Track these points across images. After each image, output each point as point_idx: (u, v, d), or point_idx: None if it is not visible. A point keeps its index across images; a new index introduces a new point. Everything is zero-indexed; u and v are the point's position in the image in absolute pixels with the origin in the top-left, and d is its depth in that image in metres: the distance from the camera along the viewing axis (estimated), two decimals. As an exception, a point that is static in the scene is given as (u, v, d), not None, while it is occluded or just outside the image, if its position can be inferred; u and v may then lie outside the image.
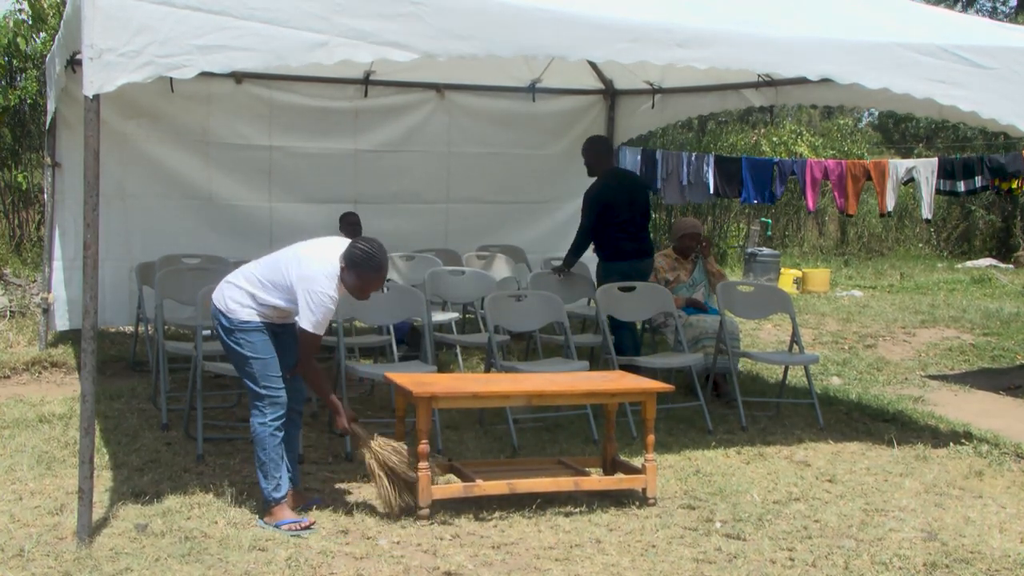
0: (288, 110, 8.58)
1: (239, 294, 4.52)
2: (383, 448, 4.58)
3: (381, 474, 4.54)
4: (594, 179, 7.47)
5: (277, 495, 4.44)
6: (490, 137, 9.02)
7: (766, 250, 14.91)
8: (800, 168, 14.43)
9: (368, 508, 4.70)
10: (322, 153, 8.75)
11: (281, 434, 4.51)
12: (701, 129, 19.68)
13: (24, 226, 12.55)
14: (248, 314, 4.49)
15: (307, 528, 4.37)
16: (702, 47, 5.21)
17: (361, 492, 4.94)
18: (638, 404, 5.32)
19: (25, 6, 11.03)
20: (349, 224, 7.96)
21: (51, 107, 7.66)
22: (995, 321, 10.92)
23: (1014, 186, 14.31)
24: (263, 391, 4.49)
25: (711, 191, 14.03)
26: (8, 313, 8.84)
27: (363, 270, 4.39)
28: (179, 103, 8.12)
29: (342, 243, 4.52)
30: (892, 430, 6.43)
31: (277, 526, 4.36)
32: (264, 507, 4.48)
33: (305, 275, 4.37)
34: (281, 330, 4.57)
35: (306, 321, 4.36)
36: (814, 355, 7.56)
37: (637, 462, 5.11)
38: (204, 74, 4.40)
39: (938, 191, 14.21)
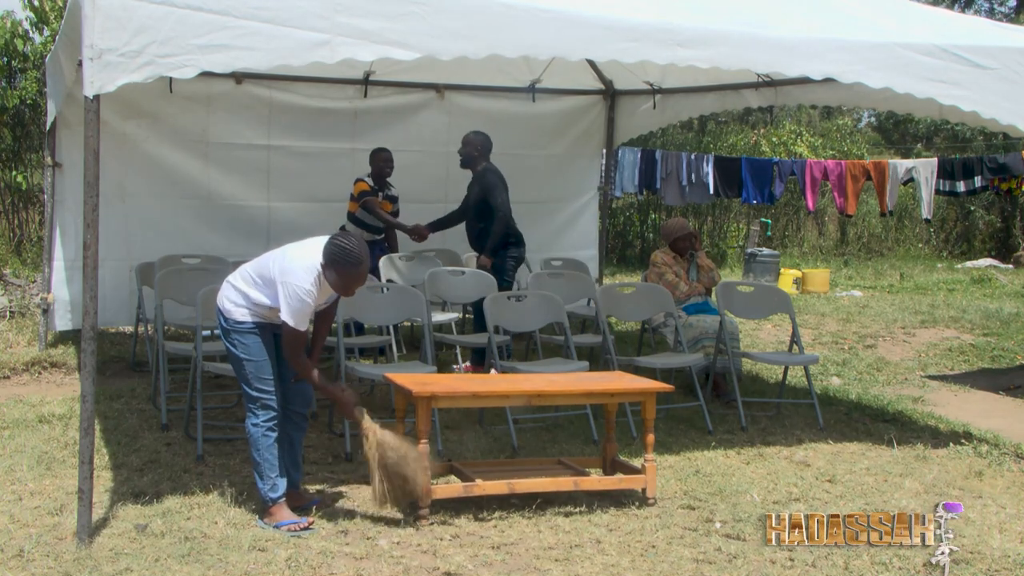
0: (288, 110, 8.57)
1: (235, 294, 4.53)
2: (383, 443, 4.52)
3: (376, 471, 4.50)
4: (470, 170, 7.75)
5: (274, 495, 4.44)
6: (490, 137, 8.99)
7: (766, 250, 14.92)
8: (800, 168, 14.47)
9: (368, 508, 4.70)
10: (321, 153, 8.75)
11: (274, 435, 4.49)
12: (701, 129, 19.70)
13: (24, 226, 12.55)
14: (242, 314, 4.49)
15: (306, 529, 4.37)
16: (703, 47, 5.22)
17: (361, 492, 4.93)
18: (638, 404, 5.32)
19: (24, 3, 11.01)
20: (382, 160, 7.94)
21: (52, 108, 7.65)
22: (995, 321, 10.92)
23: (1014, 186, 14.35)
24: (255, 393, 4.49)
25: (711, 191, 14.07)
26: (8, 313, 8.84)
27: (342, 267, 4.36)
28: (179, 103, 8.11)
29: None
30: (892, 430, 6.43)
31: (277, 527, 4.36)
32: (262, 508, 4.48)
33: (285, 268, 4.39)
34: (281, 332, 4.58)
35: (284, 313, 4.36)
36: (814, 355, 7.56)
37: (637, 462, 5.12)
38: (204, 74, 4.39)
39: (938, 191, 14.25)
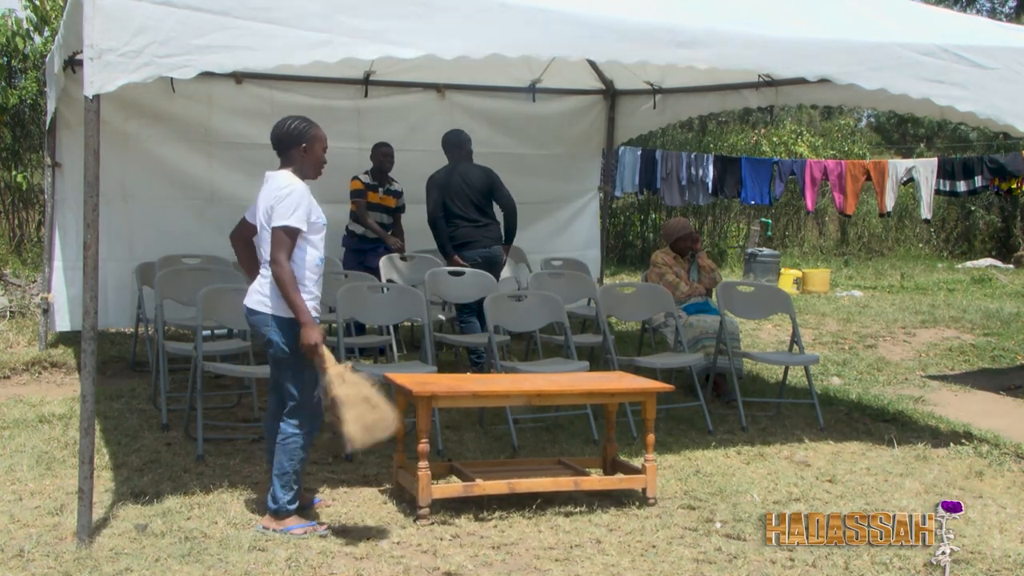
0: (290, 109, 8.45)
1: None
2: (352, 380, 4.17)
3: (357, 404, 4.11)
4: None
5: (292, 507, 4.37)
6: (490, 137, 9.01)
7: (766, 250, 14.92)
8: (800, 168, 14.47)
9: (368, 508, 4.71)
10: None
11: (309, 447, 4.41)
12: (701, 129, 19.69)
13: (24, 226, 12.56)
14: (311, 308, 4.29)
15: (322, 529, 4.35)
16: (703, 47, 5.21)
17: (361, 492, 4.94)
18: (638, 404, 5.33)
19: (25, 3, 11.02)
20: (382, 154, 8.01)
21: (51, 107, 7.65)
22: (995, 321, 10.92)
23: (1014, 186, 14.34)
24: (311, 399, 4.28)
25: (710, 191, 14.07)
26: (8, 313, 8.84)
27: (311, 133, 4.39)
28: (180, 103, 8.10)
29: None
30: (892, 430, 6.43)
31: (285, 531, 4.30)
32: (273, 514, 4.36)
33: (268, 196, 4.30)
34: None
35: (286, 219, 4.19)
36: (814, 355, 7.56)
37: (637, 462, 5.12)
38: (205, 74, 4.40)
39: (938, 191, 14.25)
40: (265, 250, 4.33)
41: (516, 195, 7.72)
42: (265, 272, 4.36)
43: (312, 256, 4.35)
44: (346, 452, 5.50)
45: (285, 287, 4.19)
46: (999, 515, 4.85)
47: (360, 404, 4.12)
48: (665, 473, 5.31)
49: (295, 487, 4.36)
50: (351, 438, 4.09)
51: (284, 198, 4.24)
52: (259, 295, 4.36)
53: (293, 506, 4.37)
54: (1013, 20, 23.86)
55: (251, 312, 4.39)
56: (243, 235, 4.64)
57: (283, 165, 4.44)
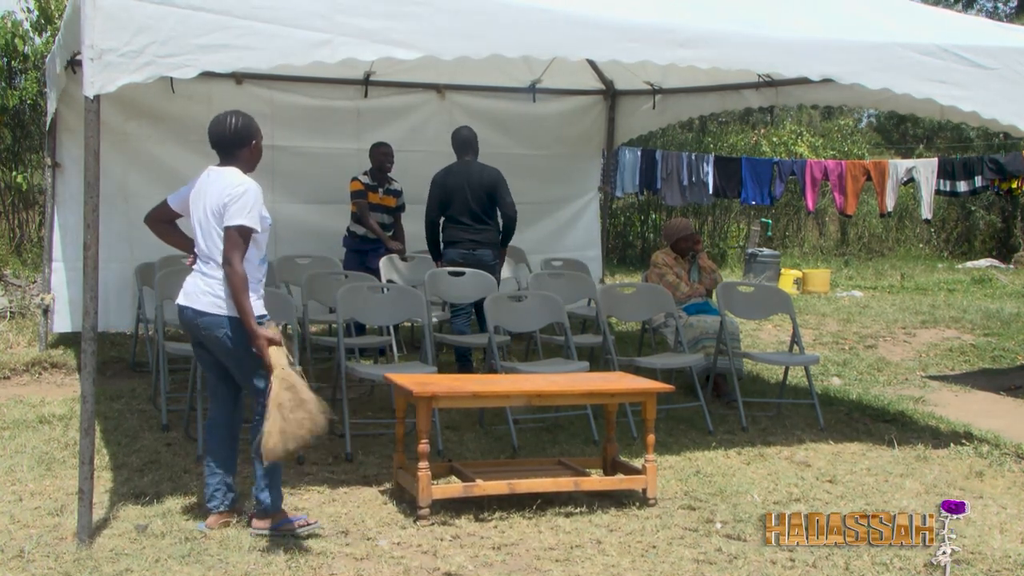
0: (290, 109, 8.55)
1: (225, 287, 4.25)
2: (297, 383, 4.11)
3: (288, 410, 4.03)
4: None
5: (280, 502, 4.37)
6: (490, 138, 8.98)
7: (766, 251, 14.91)
8: (800, 168, 14.46)
9: (368, 508, 4.71)
10: (325, 153, 8.73)
11: None
12: (701, 129, 19.68)
13: (24, 226, 12.54)
14: (259, 307, 4.26)
15: (313, 524, 4.35)
16: (704, 47, 5.22)
17: (361, 493, 4.94)
18: (638, 404, 5.32)
19: (26, 5, 11.01)
20: (382, 154, 7.99)
21: (51, 107, 7.64)
22: (995, 321, 10.91)
23: (1014, 186, 14.34)
24: None
25: (711, 191, 14.06)
26: (8, 314, 8.83)
27: (255, 128, 4.33)
28: (180, 103, 8.08)
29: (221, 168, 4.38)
30: (892, 431, 6.43)
31: (278, 526, 4.29)
32: (263, 513, 4.33)
33: (216, 193, 4.22)
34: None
35: (241, 218, 4.11)
36: (814, 355, 7.56)
37: (637, 463, 5.12)
38: (205, 74, 4.40)
39: (938, 191, 14.24)
40: (212, 248, 4.26)
41: (516, 195, 7.68)
42: (210, 271, 4.28)
43: (255, 255, 4.28)
44: (346, 452, 5.50)
45: (237, 291, 4.12)
46: (999, 515, 4.84)
47: (294, 409, 4.02)
48: (665, 473, 5.30)
49: (278, 483, 4.36)
50: (270, 450, 4.02)
51: (239, 197, 4.17)
52: (210, 296, 4.26)
53: (280, 501, 4.38)
54: (1013, 20, 23.86)
55: (200, 314, 4.27)
56: (162, 217, 4.61)
57: (227, 164, 4.35)
